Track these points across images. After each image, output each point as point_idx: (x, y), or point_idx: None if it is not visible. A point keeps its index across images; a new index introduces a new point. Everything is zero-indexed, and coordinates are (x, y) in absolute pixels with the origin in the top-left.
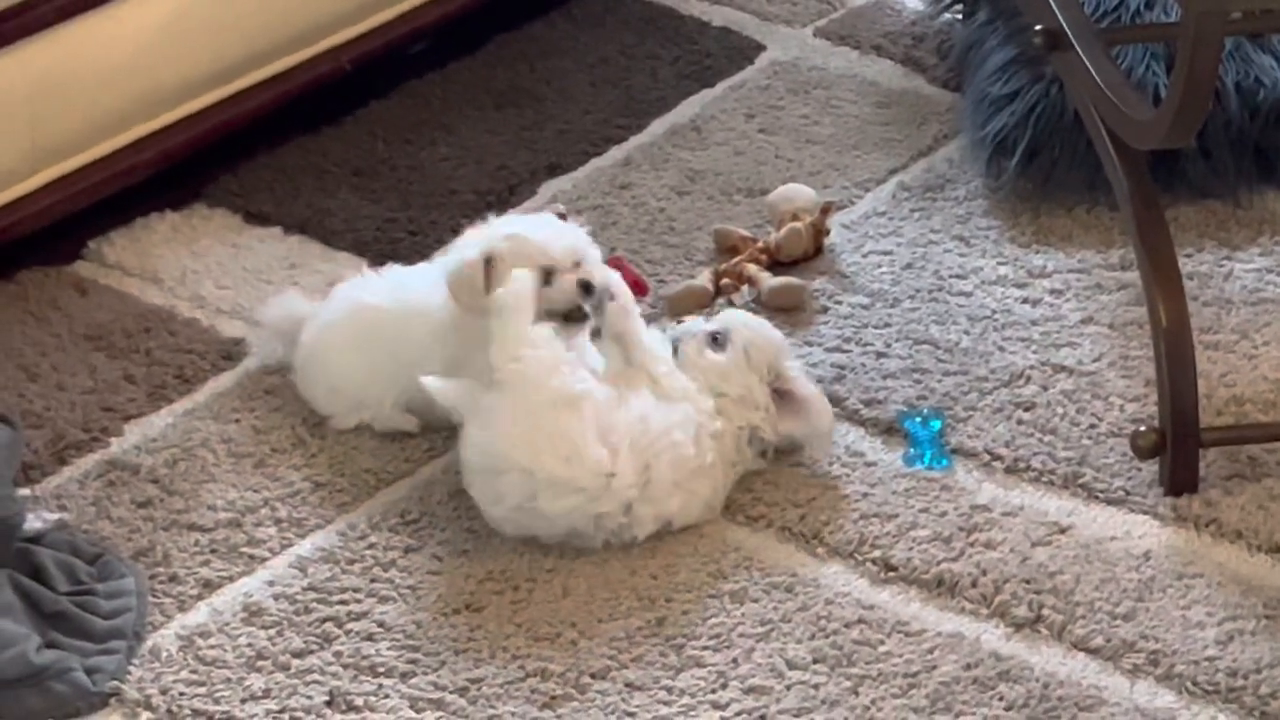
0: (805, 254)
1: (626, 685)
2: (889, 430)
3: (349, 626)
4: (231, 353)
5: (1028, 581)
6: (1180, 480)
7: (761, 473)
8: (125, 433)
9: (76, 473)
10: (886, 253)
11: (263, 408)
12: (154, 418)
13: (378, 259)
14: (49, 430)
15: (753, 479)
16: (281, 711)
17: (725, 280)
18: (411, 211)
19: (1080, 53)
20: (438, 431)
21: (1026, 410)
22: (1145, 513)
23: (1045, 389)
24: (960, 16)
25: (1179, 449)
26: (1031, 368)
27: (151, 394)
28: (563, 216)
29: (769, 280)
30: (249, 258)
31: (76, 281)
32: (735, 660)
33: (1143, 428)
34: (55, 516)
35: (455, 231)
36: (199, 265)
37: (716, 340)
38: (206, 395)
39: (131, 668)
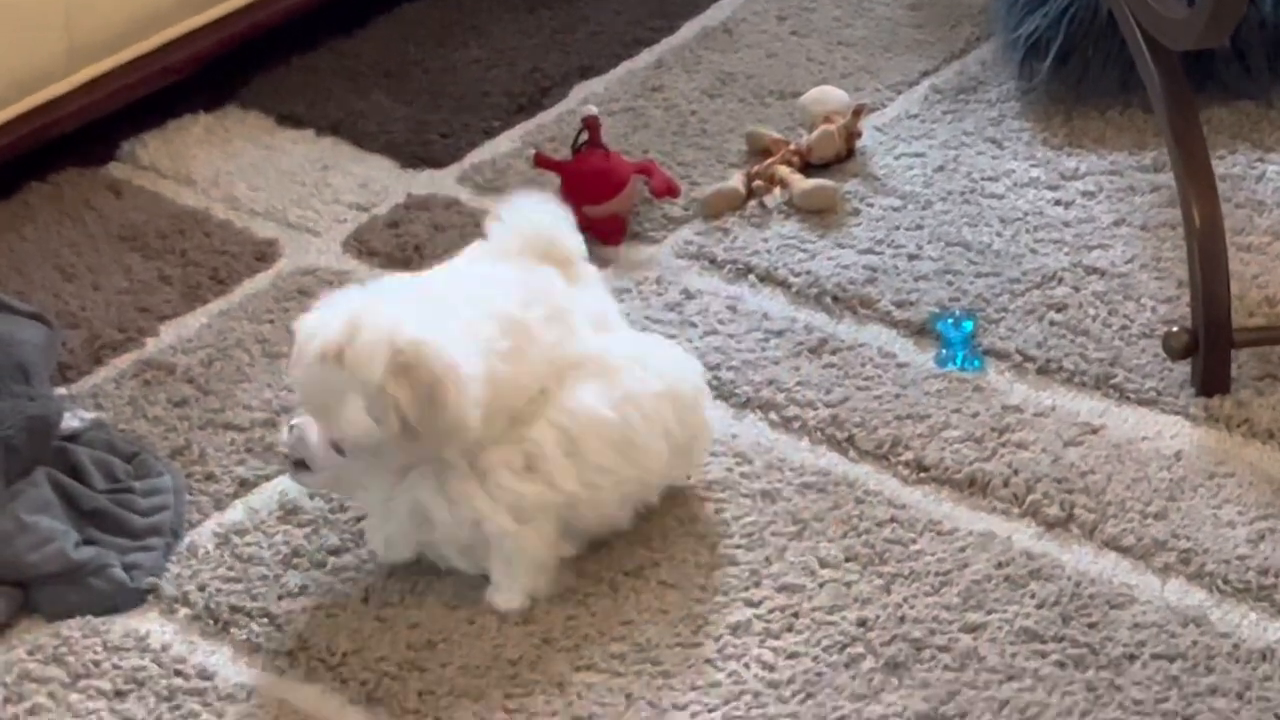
0: (837, 156)
1: (660, 583)
2: (921, 332)
3: None
4: (265, 253)
5: (1059, 481)
6: (1212, 381)
7: (797, 370)
8: (161, 333)
9: (112, 372)
10: (918, 155)
11: (297, 308)
12: (189, 318)
13: (410, 161)
14: (85, 330)
15: (785, 378)
16: (318, 609)
17: (757, 182)
18: (443, 114)
19: None
20: None
21: (1058, 312)
22: (1177, 413)
23: (1077, 290)
24: None
25: (1211, 349)
26: (1064, 269)
27: (186, 294)
28: (595, 119)
29: (801, 182)
30: (282, 159)
31: (111, 182)
32: (768, 558)
33: (1175, 328)
34: (92, 415)
35: (488, 134)
36: (232, 167)
37: None
38: (241, 296)
39: (169, 565)
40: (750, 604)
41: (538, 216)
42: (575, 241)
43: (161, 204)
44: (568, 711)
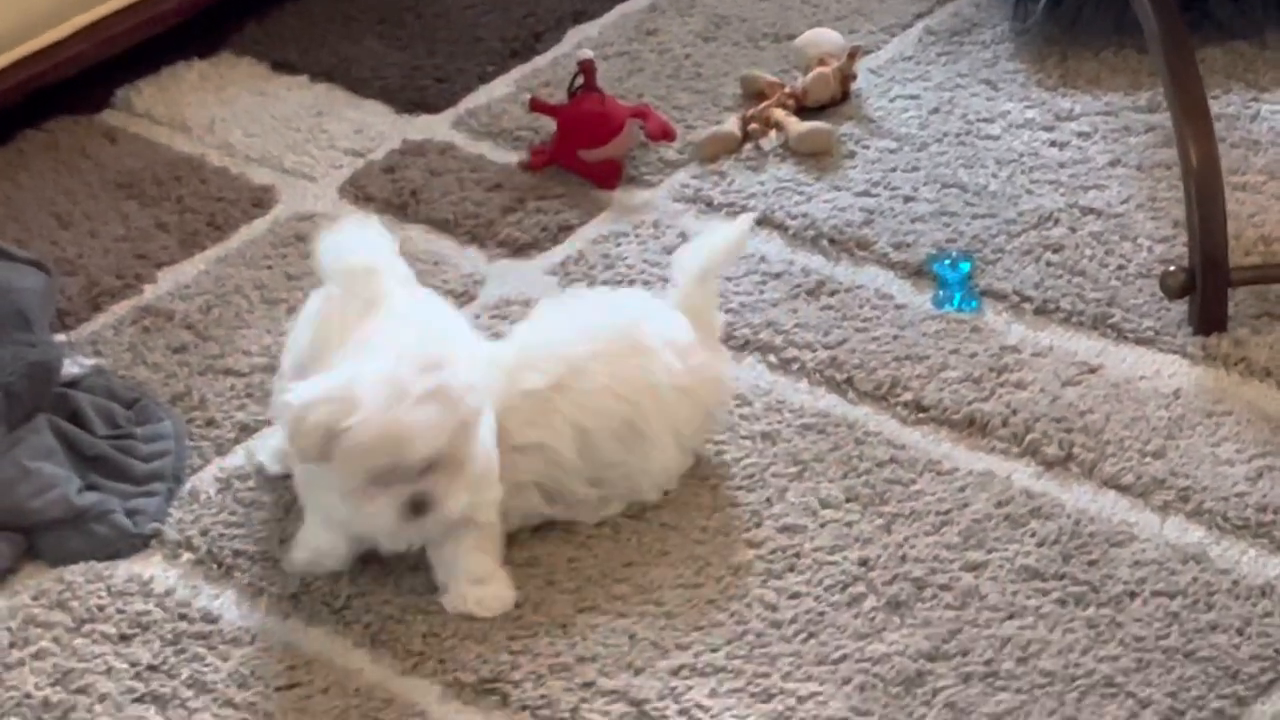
0: (832, 99)
1: (662, 525)
2: (918, 273)
3: None
4: (262, 200)
5: (1058, 420)
6: (1209, 319)
7: (795, 313)
8: (159, 279)
9: (111, 319)
10: (913, 97)
11: (294, 254)
12: (187, 264)
13: (405, 106)
14: (83, 277)
15: (784, 321)
16: None
17: (753, 126)
18: (437, 59)
19: None
20: (469, 276)
21: (1055, 252)
22: (1174, 352)
23: (1074, 231)
24: None
25: (1208, 288)
26: (1060, 210)
27: (184, 241)
28: (590, 64)
29: (796, 125)
30: (277, 105)
31: (106, 130)
32: (769, 499)
33: (1172, 268)
34: (92, 362)
35: (482, 78)
36: (227, 113)
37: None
38: (239, 242)
39: (171, 510)
40: (752, 545)
41: (347, 250)
42: (385, 261)
43: (157, 151)
44: (571, 652)
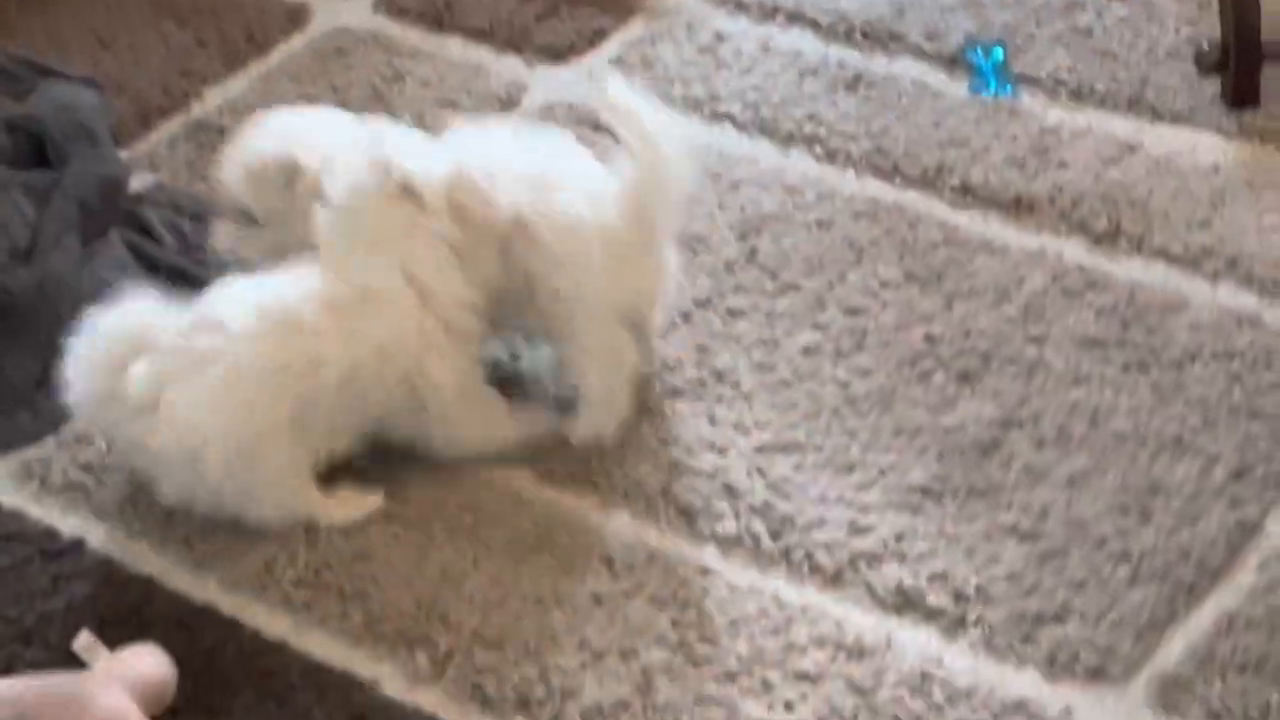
0: None
1: (728, 311)
2: (952, 62)
3: None
4: (296, 16)
5: (1103, 197)
6: (1243, 94)
7: (835, 105)
8: (205, 96)
9: (163, 136)
10: None
11: (337, 66)
12: (231, 81)
13: None
14: (131, 96)
15: (825, 113)
16: None
17: None
18: None
19: None
20: (511, 83)
21: (1085, 36)
22: (1210, 129)
23: (1100, 15)
24: None
25: (1241, 62)
26: None
27: (225, 58)
28: None
29: None
30: None
31: None
32: (830, 283)
33: (1205, 45)
34: (152, 177)
35: None
36: None
37: None
38: (279, 57)
39: None
40: (818, 327)
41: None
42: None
43: None
44: (655, 436)
